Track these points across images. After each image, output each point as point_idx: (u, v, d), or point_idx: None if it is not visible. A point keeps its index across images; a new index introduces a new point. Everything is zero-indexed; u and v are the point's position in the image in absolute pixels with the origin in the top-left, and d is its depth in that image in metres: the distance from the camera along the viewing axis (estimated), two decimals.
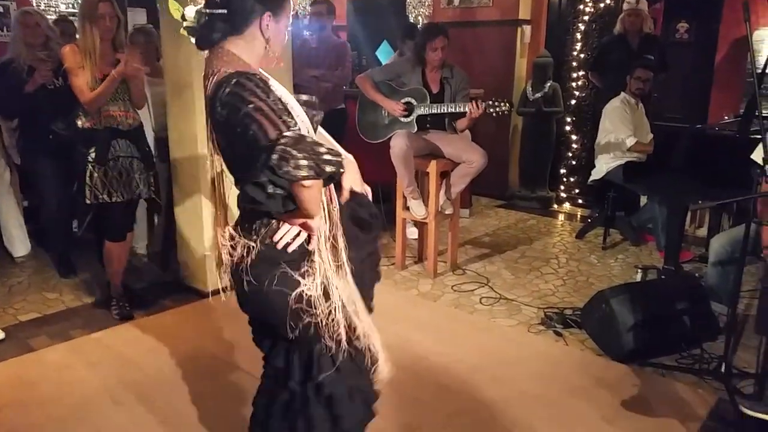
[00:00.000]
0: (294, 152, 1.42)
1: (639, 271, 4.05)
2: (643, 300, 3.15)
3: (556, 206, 6.16)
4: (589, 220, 5.36)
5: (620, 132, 4.57)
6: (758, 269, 3.98)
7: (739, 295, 3.28)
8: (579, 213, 5.98)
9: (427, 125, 4.20)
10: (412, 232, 4.78)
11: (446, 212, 4.30)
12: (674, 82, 5.43)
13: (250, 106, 1.46)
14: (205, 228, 3.78)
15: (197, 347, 3.23)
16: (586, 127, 5.84)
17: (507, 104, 3.91)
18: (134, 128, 3.50)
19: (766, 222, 2.99)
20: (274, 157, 1.42)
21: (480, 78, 5.77)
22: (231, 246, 1.70)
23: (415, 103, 4.14)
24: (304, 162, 1.43)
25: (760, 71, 4.14)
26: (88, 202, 3.38)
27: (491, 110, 3.92)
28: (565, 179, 6.10)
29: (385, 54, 6.71)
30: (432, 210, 4.14)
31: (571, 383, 2.93)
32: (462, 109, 4.00)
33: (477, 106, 3.91)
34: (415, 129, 4.16)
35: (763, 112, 3.41)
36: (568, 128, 5.99)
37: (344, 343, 1.69)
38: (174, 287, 4.03)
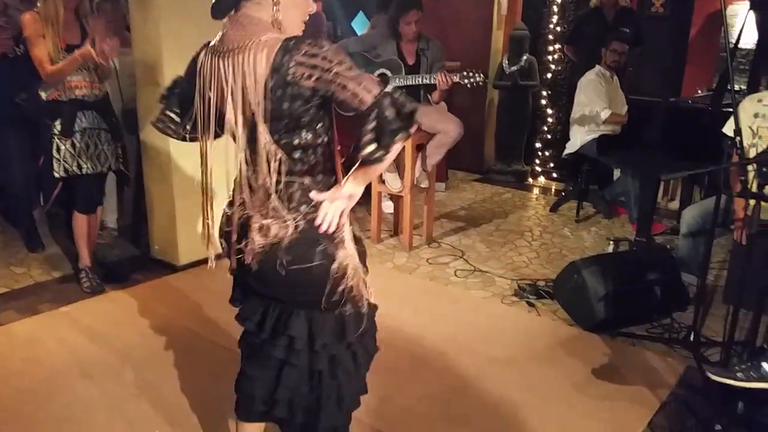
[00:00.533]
0: (400, 104, 1.53)
1: (611, 243, 4.09)
2: (615, 271, 3.18)
3: (531, 180, 6.18)
4: (563, 194, 5.39)
5: (595, 104, 4.58)
6: (728, 241, 4.05)
7: (709, 265, 3.34)
8: (553, 187, 6.02)
9: None
10: (388, 206, 4.77)
11: (422, 185, 4.29)
12: (649, 56, 5.44)
13: (336, 72, 1.50)
14: (176, 200, 3.72)
15: (169, 321, 3.19)
16: (562, 101, 5.85)
17: (481, 75, 3.88)
18: (100, 99, 3.40)
19: (737, 194, 3.03)
20: (388, 114, 1.51)
21: (456, 50, 5.73)
22: (263, 226, 1.63)
23: (390, 75, 4.09)
24: (407, 108, 1.53)
25: (733, 46, 4.17)
26: (57, 175, 3.29)
27: (465, 81, 3.89)
28: (540, 153, 6.12)
29: (360, 25, 6.62)
30: (407, 183, 4.12)
31: (543, 352, 2.96)
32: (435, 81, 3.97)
33: (445, 77, 3.88)
34: None
35: (735, 86, 3.44)
36: (543, 102, 5.99)
37: (366, 303, 1.78)
38: (145, 261, 3.97)
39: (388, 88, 1.55)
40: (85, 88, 3.30)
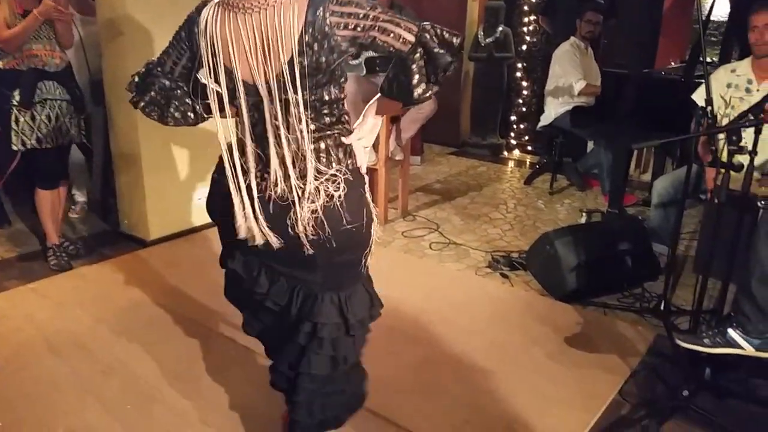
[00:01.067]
0: (441, 35, 1.52)
1: (584, 214, 4.12)
2: (586, 241, 3.20)
3: (506, 153, 6.19)
4: (537, 167, 5.40)
5: (570, 76, 4.57)
6: (699, 212, 4.10)
7: (680, 236, 3.38)
8: (528, 160, 6.03)
9: (377, 68, 4.10)
10: None
11: (396, 158, 4.26)
12: (623, 28, 5.43)
13: (374, 17, 1.49)
14: (145, 174, 3.64)
15: (140, 297, 3.14)
16: (537, 73, 5.83)
17: None
18: (62, 69, 3.29)
19: (707, 163, 3.05)
20: (435, 48, 1.49)
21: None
22: (303, 191, 1.57)
23: None
24: (449, 38, 1.52)
25: (705, 18, 4.18)
26: (15, 148, 3.19)
27: None
28: (515, 126, 6.12)
29: None
30: (382, 156, 4.08)
31: (516, 322, 2.98)
32: None
33: None
34: (364, 72, 4.06)
35: (707, 58, 3.45)
36: (519, 74, 5.97)
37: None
38: (114, 236, 3.91)
39: (425, 24, 1.53)
40: (46, 57, 3.18)
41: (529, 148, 6.10)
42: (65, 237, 3.65)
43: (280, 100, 1.53)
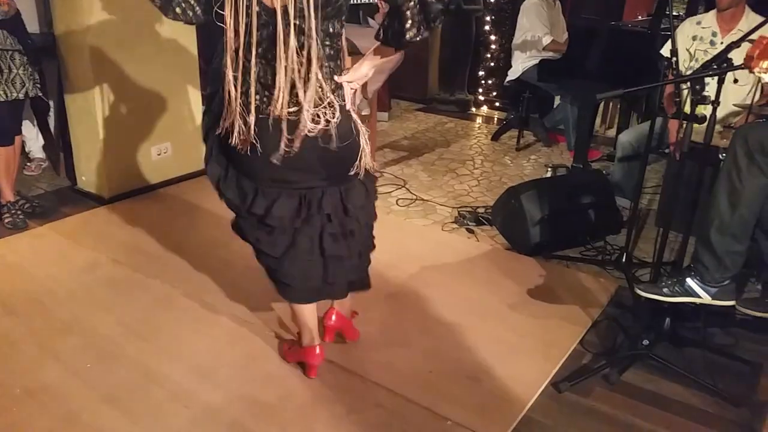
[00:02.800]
0: None
1: (549, 169, 4.13)
2: (550, 195, 3.20)
3: (474, 109, 6.14)
4: (505, 122, 5.38)
5: (537, 29, 4.52)
6: (662, 166, 4.14)
7: (643, 189, 3.41)
8: (496, 116, 6.00)
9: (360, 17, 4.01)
10: None
11: (363, 113, 4.18)
12: None
13: None
14: (101, 129, 3.52)
15: (98, 255, 3.06)
16: (505, 26, 5.75)
17: None
18: (11, 18, 3.12)
19: (671, 115, 3.06)
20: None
21: None
22: (314, 114, 1.77)
23: None
24: None
25: None
26: None
27: None
28: (483, 82, 6.06)
29: None
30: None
31: (480, 276, 2.99)
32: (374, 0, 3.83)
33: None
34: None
35: (674, 11, 3.43)
36: (487, 28, 5.88)
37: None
38: (72, 194, 3.79)
39: None
40: None
41: (497, 104, 6.07)
42: (20, 195, 3.52)
43: (295, 26, 1.66)
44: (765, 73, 1.83)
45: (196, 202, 3.71)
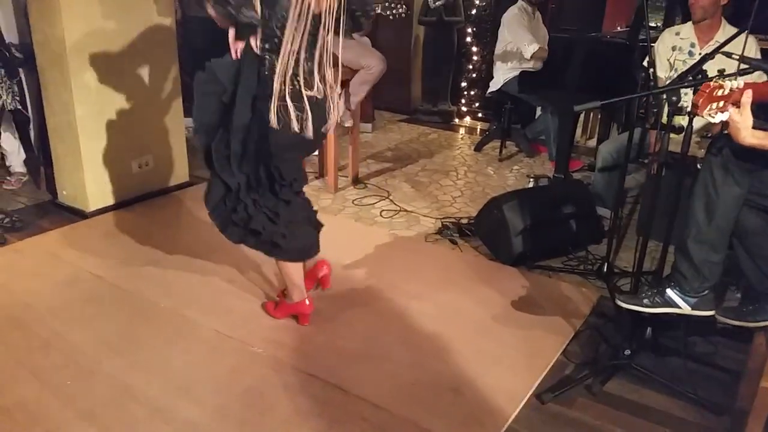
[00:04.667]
0: None
1: (531, 180, 4.15)
2: (532, 205, 3.22)
3: (457, 120, 6.18)
4: (487, 133, 5.41)
5: (521, 39, 4.55)
6: (643, 176, 4.18)
7: (624, 199, 3.44)
8: (479, 126, 6.04)
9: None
10: None
11: (346, 124, 4.19)
12: None
13: None
14: (82, 141, 3.49)
15: (78, 270, 3.03)
16: (486, 38, 5.80)
17: (403, 6, 3.76)
18: None
19: (650, 125, 3.10)
20: None
21: None
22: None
23: None
24: None
25: None
26: None
27: (387, 12, 3.75)
28: (466, 93, 6.10)
29: None
30: (332, 122, 4.00)
31: (463, 287, 3.00)
32: None
33: None
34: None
35: (651, 23, 3.48)
36: (469, 39, 5.93)
37: None
38: (53, 208, 3.75)
39: None
40: None
41: (480, 114, 6.11)
42: (0, 209, 3.49)
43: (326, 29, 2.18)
44: (712, 116, 1.90)
45: (178, 216, 3.68)
